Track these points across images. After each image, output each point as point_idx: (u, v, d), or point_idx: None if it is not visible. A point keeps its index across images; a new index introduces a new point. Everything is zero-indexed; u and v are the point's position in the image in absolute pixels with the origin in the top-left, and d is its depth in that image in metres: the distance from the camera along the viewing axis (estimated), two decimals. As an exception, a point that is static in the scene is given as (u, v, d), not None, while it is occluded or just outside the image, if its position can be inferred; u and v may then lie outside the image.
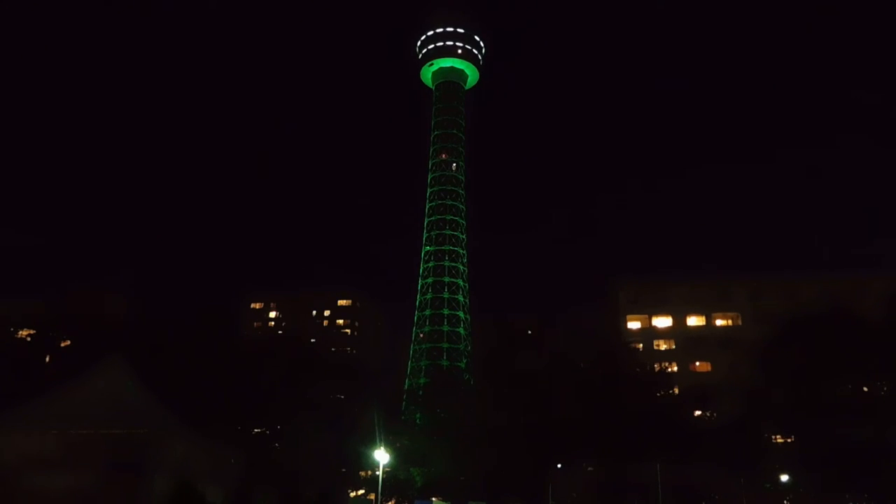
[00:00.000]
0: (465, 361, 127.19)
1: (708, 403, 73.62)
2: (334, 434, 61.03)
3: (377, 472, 52.90)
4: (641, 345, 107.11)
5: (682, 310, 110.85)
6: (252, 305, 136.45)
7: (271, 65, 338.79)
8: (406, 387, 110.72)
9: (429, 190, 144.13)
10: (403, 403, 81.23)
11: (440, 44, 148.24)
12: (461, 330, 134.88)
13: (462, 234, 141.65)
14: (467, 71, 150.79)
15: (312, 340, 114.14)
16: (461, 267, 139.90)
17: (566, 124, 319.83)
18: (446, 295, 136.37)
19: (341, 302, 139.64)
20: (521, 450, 61.25)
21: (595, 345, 78.74)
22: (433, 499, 69.66)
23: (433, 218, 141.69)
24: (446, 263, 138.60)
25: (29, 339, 72.04)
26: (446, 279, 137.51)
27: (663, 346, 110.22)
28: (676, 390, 77.70)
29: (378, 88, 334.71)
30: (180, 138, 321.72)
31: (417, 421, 75.74)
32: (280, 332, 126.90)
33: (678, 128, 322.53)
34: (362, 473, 71.63)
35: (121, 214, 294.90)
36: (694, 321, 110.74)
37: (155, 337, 63.07)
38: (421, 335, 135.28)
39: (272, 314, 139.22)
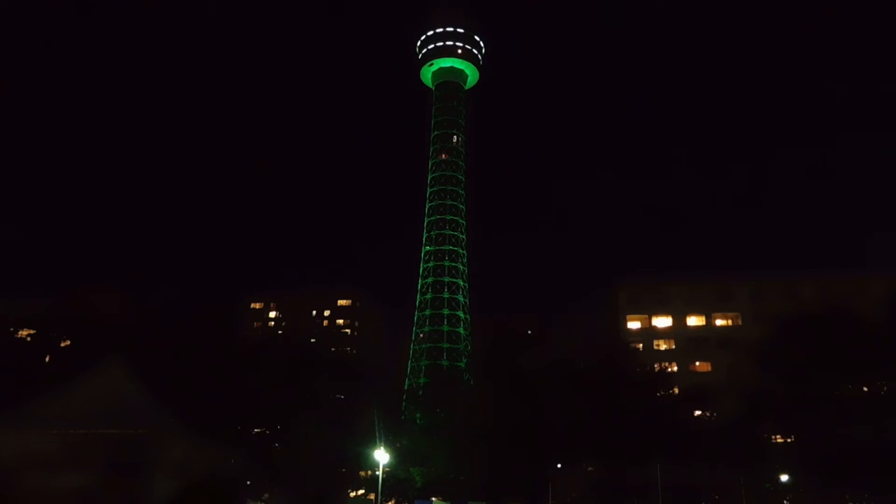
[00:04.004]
0: (465, 361, 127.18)
1: (708, 403, 73.59)
2: (334, 434, 60.95)
3: (377, 472, 52.81)
4: (641, 345, 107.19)
5: (681, 310, 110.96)
6: (252, 305, 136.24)
7: (271, 65, 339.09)
8: (406, 387, 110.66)
9: (429, 190, 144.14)
10: (403, 403, 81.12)
11: (440, 44, 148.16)
12: (461, 330, 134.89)
13: (462, 234, 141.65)
14: (467, 71, 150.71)
15: (312, 340, 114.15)
16: (461, 267, 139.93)
17: (566, 124, 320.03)
18: (446, 295, 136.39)
19: (341, 302, 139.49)
20: (521, 450, 61.20)
21: (595, 345, 78.74)
22: (433, 499, 69.58)
23: (433, 218, 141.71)
24: (446, 263, 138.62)
25: (29, 339, 71.90)
26: (446, 279, 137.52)
27: (663, 346, 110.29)
28: (676, 390, 77.52)
29: (378, 88, 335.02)
30: (181, 138, 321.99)
31: (417, 421, 75.61)
32: (280, 332, 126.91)
33: (678, 128, 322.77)
34: (362, 473, 71.56)
35: (121, 214, 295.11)
36: (694, 321, 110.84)
37: (155, 337, 63.00)
38: (421, 335, 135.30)
39: (272, 314, 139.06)
